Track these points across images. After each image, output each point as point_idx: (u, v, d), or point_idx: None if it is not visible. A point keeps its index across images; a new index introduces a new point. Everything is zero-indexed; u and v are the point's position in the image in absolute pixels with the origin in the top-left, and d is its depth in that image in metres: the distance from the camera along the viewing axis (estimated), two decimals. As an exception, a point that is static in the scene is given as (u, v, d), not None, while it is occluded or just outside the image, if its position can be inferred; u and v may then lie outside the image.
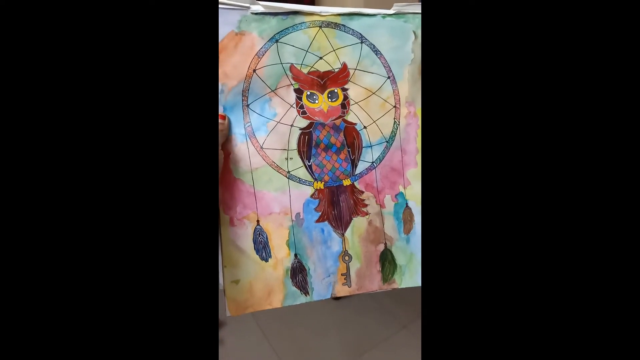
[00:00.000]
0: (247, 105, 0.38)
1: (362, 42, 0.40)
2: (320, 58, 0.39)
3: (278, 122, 0.39)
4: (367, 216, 0.41)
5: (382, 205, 0.42)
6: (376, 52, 0.41)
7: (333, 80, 0.40)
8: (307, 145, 0.40)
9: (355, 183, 0.41)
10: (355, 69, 0.40)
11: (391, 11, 0.40)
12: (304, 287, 0.40)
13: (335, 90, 0.40)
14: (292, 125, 0.39)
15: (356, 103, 0.41)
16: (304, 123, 0.40)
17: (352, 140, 0.41)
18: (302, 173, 0.40)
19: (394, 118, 0.42)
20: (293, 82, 0.39)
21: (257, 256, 0.39)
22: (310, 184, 0.40)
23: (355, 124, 0.41)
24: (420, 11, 0.41)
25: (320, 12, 0.39)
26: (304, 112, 0.40)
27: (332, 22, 0.39)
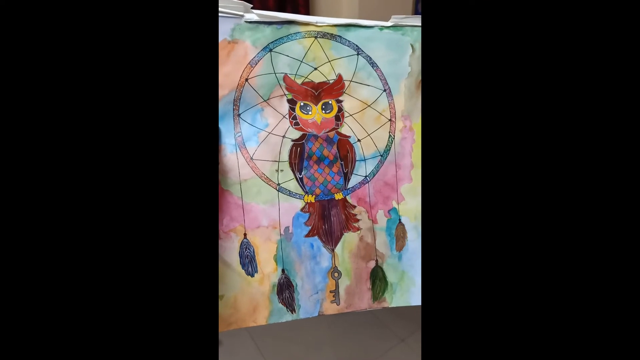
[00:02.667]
0: (238, 115, 0.37)
1: (358, 54, 0.39)
2: (315, 69, 0.38)
3: (270, 133, 0.38)
4: (358, 232, 0.40)
5: (374, 221, 0.40)
6: (372, 64, 0.40)
7: (327, 91, 0.39)
8: (298, 157, 0.39)
9: (348, 197, 0.40)
10: (351, 81, 0.39)
11: (389, 23, 0.40)
12: (290, 304, 0.39)
13: (330, 102, 0.39)
14: (284, 137, 0.38)
15: (351, 115, 0.40)
16: (296, 134, 0.39)
17: (345, 153, 0.40)
18: (293, 186, 0.39)
19: (389, 132, 0.40)
20: (286, 92, 0.38)
21: (243, 270, 0.37)
22: (300, 197, 0.39)
23: (349, 136, 0.40)
24: (418, 24, 0.40)
25: (316, 23, 0.38)
26: (296, 124, 0.39)
27: (328, 33, 0.38)
